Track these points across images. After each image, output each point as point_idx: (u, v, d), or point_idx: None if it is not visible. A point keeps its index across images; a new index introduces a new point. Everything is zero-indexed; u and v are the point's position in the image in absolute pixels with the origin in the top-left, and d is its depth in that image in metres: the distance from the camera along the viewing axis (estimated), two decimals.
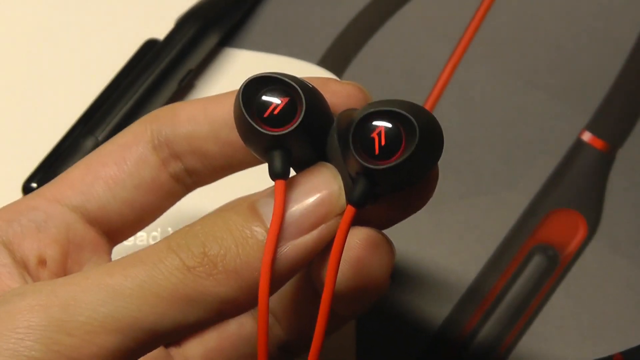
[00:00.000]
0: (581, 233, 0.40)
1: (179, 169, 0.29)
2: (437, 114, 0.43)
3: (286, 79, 0.24)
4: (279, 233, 0.23)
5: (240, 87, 0.24)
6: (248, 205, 0.24)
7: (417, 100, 0.43)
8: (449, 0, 0.46)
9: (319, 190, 0.24)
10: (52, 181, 0.29)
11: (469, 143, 0.42)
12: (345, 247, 0.24)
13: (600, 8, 0.45)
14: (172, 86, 0.42)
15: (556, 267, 0.39)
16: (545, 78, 0.44)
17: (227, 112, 0.27)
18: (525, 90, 0.43)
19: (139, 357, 0.23)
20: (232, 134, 0.27)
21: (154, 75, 0.41)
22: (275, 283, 0.24)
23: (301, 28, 0.45)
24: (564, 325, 0.38)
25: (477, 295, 0.39)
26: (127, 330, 0.22)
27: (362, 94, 0.27)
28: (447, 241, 0.40)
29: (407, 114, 0.22)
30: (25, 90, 0.43)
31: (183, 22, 0.43)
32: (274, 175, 0.24)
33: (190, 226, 0.24)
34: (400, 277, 0.39)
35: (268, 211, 0.24)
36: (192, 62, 0.43)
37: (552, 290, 0.39)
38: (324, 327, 0.24)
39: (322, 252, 0.25)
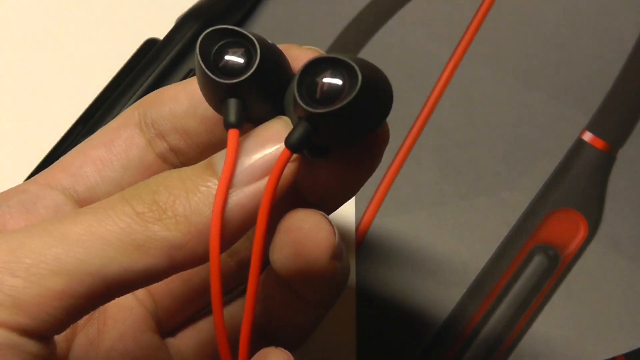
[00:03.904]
0: (582, 233, 0.40)
1: (164, 148, 0.29)
2: (437, 114, 0.43)
3: (242, 31, 0.24)
4: (230, 181, 0.24)
5: (199, 39, 0.24)
6: (205, 160, 0.25)
7: (417, 100, 0.43)
8: (449, 0, 0.46)
9: (271, 139, 0.24)
10: (47, 168, 0.29)
11: (469, 143, 0.42)
12: (285, 229, 0.25)
13: (601, 8, 0.45)
14: None
15: (557, 267, 0.39)
16: (545, 78, 0.44)
17: None
18: (525, 90, 0.43)
19: (94, 306, 0.23)
20: (210, 109, 0.27)
21: (154, 75, 0.41)
22: (228, 233, 0.24)
23: (301, 28, 0.45)
24: (564, 325, 0.38)
25: (478, 295, 0.39)
26: (74, 273, 0.22)
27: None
28: (447, 241, 0.40)
29: (351, 62, 0.23)
30: (25, 90, 0.43)
31: (183, 22, 0.43)
32: (227, 124, 0.24)
33: (146, 180, 0.25)
34: (400, 277, 0.39)
35: (221, 163, 0.24)
36: (192, 62, 0.43)
37: (552, 290, 0.39)
38: (256, 279, 0.24)
39: (272, 231, 0.25)
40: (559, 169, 0.41)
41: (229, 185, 0.24)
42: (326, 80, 0.23)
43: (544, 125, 0.42)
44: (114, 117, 0.40)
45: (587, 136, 0.42)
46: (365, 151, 0.26)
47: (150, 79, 0.41)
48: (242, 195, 0.24)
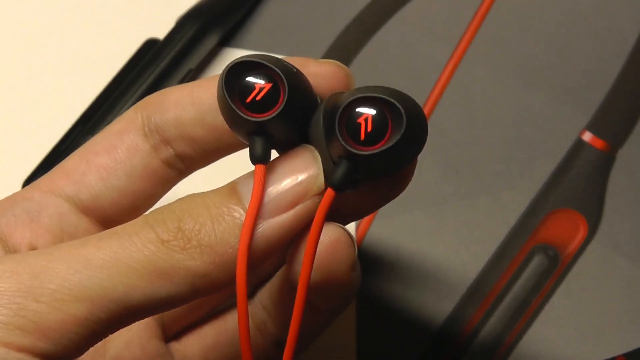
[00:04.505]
0: (581, 233, 0.40)
1: (170, 154, 0.29)
2: (437, 114, 0.43)
3: (269, 64, 0.23)
4: (257, 215, 0.23)
5: (223, 72, 0.24)
6: (228, 185, 0.25)
7: (417, 100, 0.43)
8: (449, 0, 0.46)
9: (298, 171, 0.24)
10: (49, 172, 0.29)
11: (469, 143, 0.42)
12: (305, 243, 0.24)
13: (601, 8, 0.45)
14: (172, 85, 0.42)
15: (557, 267, 0.39)
16: (545, 78, 0.44)
17: (212, 96, 0.28)
18: (525, 90, 0.43)
19: (112, 330, 0.23)
20: (218, 118, 0.27)
21: (154, 74, 0.41)
22: (252, 262, 0.24)
23: (301, 28, 0.45)
24: (564, 325, 0.38)
25: (478, 295, 0.39)
26: (97, 299, 0.22)
27: (342, 72, 0.27)
28: (447, 241, 0.40)
29: (395, 102, 0.22)
30: (25, 90, 0.43)
31: (183, 22, 0.43)
32: (254, 159, 0.24)
33: (170, 203, 0.24)
34: (400, 277, 0.39)
35: (247, 191, 0.24)
36: (192, 62, 0.42)
37: (552, 290, 0.39)
38: (300, 312, 0.24)
39: (296, 247, 0.25)
40: (559, 169, 0.41)
41: (255, 219, 0.23)
42: (370, 120, 0.23)
43: (544, 125, 0.42)
44: (114, 117, 0.40)
45: (587, 136, 0.42)
46: (393, 180, 0.26)
47: (150, 79, 0.41)
48: (267, 227, 0.24)
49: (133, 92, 0.40)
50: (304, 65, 0.26)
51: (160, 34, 0.43)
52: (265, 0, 0.46)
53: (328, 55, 0.44)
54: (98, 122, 0.40)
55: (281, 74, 0.23)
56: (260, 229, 0.24)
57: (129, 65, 0.42)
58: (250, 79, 0.24)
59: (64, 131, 0.41)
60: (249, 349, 0.24)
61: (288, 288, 0.28)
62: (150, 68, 0.41)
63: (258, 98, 0.23)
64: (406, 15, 0.46)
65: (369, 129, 0.23)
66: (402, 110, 0.22)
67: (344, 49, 0.45)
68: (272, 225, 0.24)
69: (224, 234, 0.23)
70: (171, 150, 0.29)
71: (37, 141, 0.41)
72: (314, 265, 0.25)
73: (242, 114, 0.23)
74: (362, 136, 0.23)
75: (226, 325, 0.31)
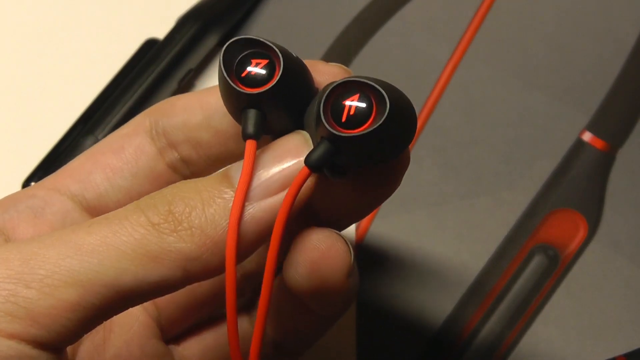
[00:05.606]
0: (581, 233, 0.40)
1: (175, 158, 0.29)
2: (437, 114, 0.43)
3: (269, 43, 0.24)
4: (247, 194, 0.24)
5: (223, 47, 0.24)
6: (221, 171, 0.25)
7: (417, 100, 0.43)
8: (449, 0, 0.46)
9: (289, 154, 0.24)
10: (55, 172, 0.29)
11: (469, 143, 0.42)
12: (300, 248, 0.25)
13: (601, 8, 0.45)
14: (172, 86, 0.42)
15: (556, 267, 0.39)
16: (545, 78, 0.44)
17: (219, 99, 0.28)
18: (525, 91, 0.43)
19: (106, 317, 0.23)
20: (224, 122, 0.27)
21: (154, 74, 0.41)
22: (243, 246, 0.24)
23: (301, 28, 0.45)
24: (564, 325, 0.38)
25: (478, 295, 0.39)
26: (88, 284, 0.22)
27: (347, 74, 0.28)
28: (447, 241, 0.40)
29: (380, 88, 0.23)
30: (25, 90, 0.43)
31: (183, 22, 0.43)
32: (245, 134, 0.24)
33: (162, 189, 0.24)
34: (400, 277, 0.39)
35: (238, 175, 0.24)
36: (192, 62, 0.43)
37: (552, 290, 0.39)
38: (269, 290, 0.24)
39: (289, 252, 0.25)
40: (558, 169, 0.41)
41: (245, 197, 0.23)
42: (353, 104, 0.23)
43: (544, 125, 0.42)
44: (114, 117, 0.40)
45: (587, 136, 0.42)
46: (384, 174, 0.26)
47: (150, 79, 0.41)
48: (257, 209, 0.24)
49: (133, 92, 0.41)
50: (314, 65, 0.26)
51: (160, 34, 0.43)
52: (265, 0, 0.46)
53: (328, 55, 0.44)
54: (98, 122, 0.40)
55: (279, 53, 0.24)
56: (250, 211, 0.24)
57: (129, 65, 0.42)
58: (249, 55, 0.24)
59: (64, 131, 0.41)
60: (236, 337, 0.24)
61: (285, 293, 0.28)
62: (150, 68, 0.41)
63: (253, 73, 0.24)
64: (406, 15, 0.46)
65: (352, 112, 0.23)
66: (386, 98, 0.23)
67: (344, 49, 0.45)
68: (261, 207, 0.24)
69: (214, 215, 0.23)
70: (176, 154, 0.29)
71: (37, 141, 0.41)
72: (309, 272, 0.25)
73: (235, 86, 0.24)
74: (344, 118, 0.23)
75: (225, 328, 0.31)
